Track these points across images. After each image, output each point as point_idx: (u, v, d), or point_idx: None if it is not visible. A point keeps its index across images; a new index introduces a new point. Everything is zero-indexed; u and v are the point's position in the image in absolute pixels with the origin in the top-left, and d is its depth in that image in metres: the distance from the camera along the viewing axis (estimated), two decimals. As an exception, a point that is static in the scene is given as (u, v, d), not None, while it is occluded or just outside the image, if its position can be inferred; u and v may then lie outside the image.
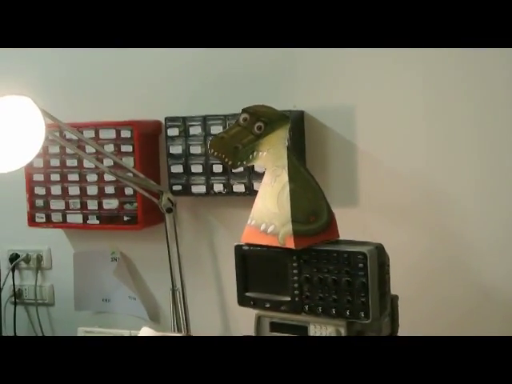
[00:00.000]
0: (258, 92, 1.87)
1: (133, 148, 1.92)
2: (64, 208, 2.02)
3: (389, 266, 1.40)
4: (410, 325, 1.46)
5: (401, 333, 1.46)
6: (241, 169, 1.75)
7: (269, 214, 1.42)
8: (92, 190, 1.98)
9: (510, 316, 1.70)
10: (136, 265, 2.10)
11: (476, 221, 1.72)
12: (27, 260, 2.22)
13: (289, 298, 1.41)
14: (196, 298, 1.94)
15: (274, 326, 1.44)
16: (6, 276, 2.21)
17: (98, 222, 1.99)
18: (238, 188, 1.84)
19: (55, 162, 2.01)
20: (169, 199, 1.81)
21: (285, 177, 1.40)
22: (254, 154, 1.50)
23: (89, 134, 1.95)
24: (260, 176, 1.51)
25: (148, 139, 1.98)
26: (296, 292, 1.40)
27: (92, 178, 1.98)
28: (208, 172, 1.87)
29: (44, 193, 2.04)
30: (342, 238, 1.45)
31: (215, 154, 1.51)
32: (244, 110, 1.48)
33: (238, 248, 1.46)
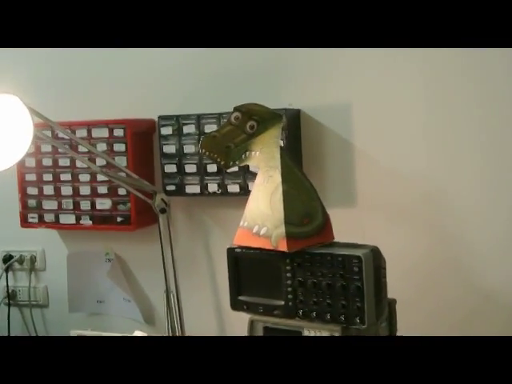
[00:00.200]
0: (253, 90, 1.85)
1: (126, 147, 1.90)
2: (57, 208, 2.00)
3: (385, 269, 1.36)
4: (408, 329, 1.43)
5: (399, 337, 1.43)
6: (235, 168, 1.72)
7: (261, 215, 1.38)
8: (85, 190, 1.96)
9: (511, 319, 1.67)
10: (130, 266, 2.08)
11: (476, 222, 1.70)
12: (21, 261, 2.20)
13: (282, 303, 1.37)
14: (191, 300, 1.92)
15: (268, 331, 1.41)
16: (0, 277, 2.19)
17: (90, 222, 1.97)
18: (233, 188, 1.82)
19: (47, 162, 1.99)
20: (162, 200, 1.79)
21: (278, 177, 1.37)
22: (247, 153, 1.47)
23: (81, 132, 1.93)
24: (255, 176, 1.48)
25: (141, 138, 1.95)
26: (289, 296, 1.36)
27: (85, 177, 1.96)
28: (202, 172, 1.84)
29: (36, 193, 2.02)
30: (339, 239, 1.41)
31: (207, 154, 1.49)
32: (236, 109, 1.44)
33: (231, 251, 1.43)
